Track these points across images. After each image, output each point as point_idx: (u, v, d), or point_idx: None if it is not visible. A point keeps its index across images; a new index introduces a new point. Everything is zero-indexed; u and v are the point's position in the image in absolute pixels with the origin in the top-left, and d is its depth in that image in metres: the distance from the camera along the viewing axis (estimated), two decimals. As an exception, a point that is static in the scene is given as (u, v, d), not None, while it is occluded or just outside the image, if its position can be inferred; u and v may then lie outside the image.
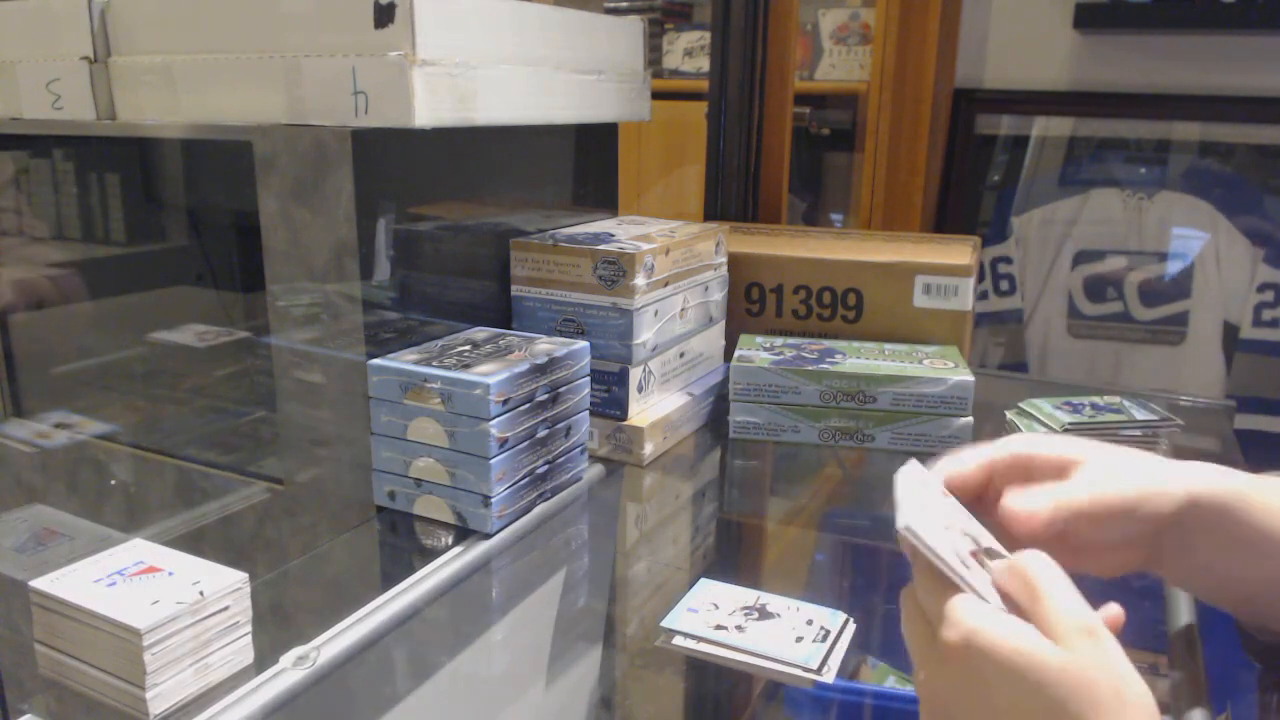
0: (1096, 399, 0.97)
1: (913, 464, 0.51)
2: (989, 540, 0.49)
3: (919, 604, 0.46)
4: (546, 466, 0.80)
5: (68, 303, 1.01)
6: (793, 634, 0.61)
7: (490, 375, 0.73)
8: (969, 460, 0.54)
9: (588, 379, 0.84)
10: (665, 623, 0.63)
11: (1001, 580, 0.44)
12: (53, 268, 1.00)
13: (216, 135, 0.80)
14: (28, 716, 0.54)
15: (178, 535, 0.84)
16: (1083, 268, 1.80)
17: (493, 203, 0.92)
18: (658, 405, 0.94)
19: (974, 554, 0.46)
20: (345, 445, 0.79)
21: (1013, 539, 0.50)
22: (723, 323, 1.09)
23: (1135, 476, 0.51)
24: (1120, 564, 0.53)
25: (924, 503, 0.48)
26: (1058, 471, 0.52)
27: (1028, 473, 0.53)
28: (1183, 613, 0.65)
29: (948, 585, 0.44)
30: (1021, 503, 0.51)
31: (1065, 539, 0.51)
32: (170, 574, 0.58)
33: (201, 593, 0.55)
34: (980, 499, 0.54)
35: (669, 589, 0.73)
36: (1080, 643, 0.40)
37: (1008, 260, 1.85)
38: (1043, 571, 0.43)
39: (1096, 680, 0.39)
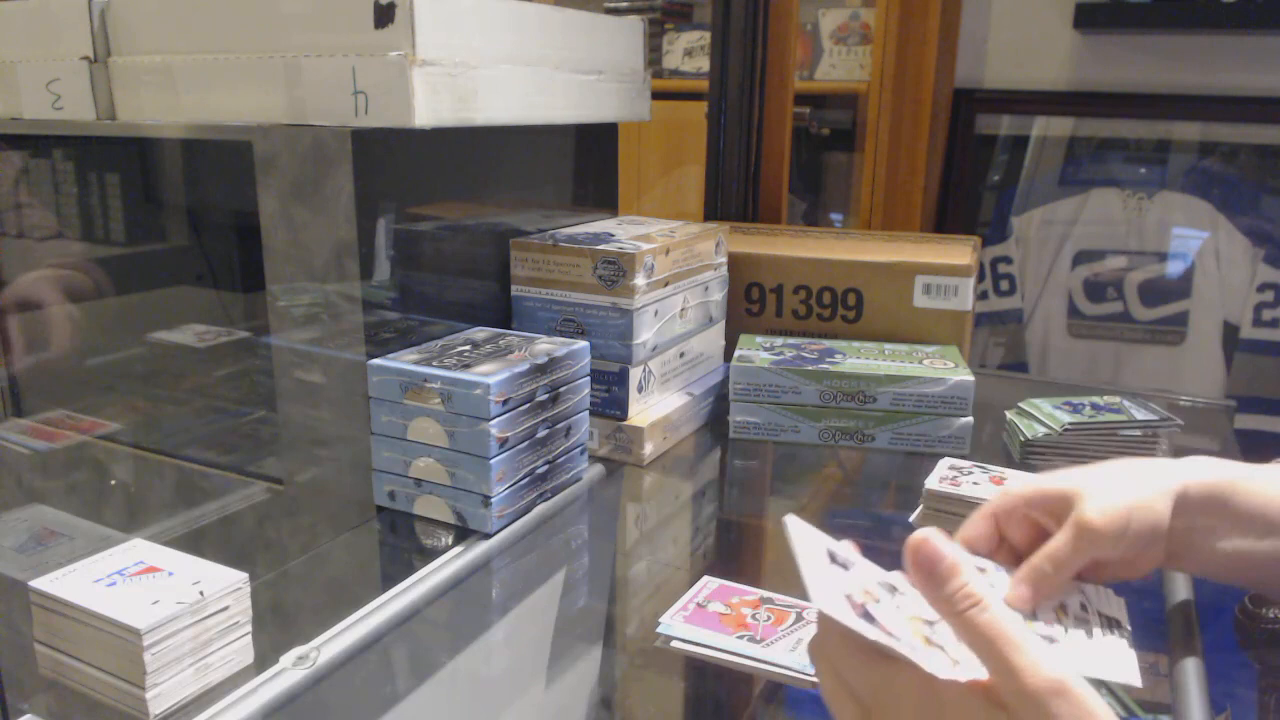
0: (1096, 399, 0.97)
1: (793, 520, 0.47)
2: (902, 583, 0.46)
3: (840, 675, 0.42)
4: (546, 466, 0.80)
5: (100, 296, 1.00)
6: (792, 636, 0.61)
7: (490, 375, 0.73)
8: (976, 520, 0.56)
9: (588, 379, 0.84)
10: (662, 628, 0.63)
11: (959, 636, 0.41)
12: (75, 265, 0.99)
13: (216, 135, 0.80)
14: (28, 716, 0.54)
15: (178, 535, 0.84)
16: (1083, 268, 1.80)
17: (493, 203, 0.92)
18: (658, 405, 0.94)
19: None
20: (345, 445, 0.79)
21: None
22: (723, 323, 1.09)
23: (1124, 496, 0.53)
24: (1143, 568, 0.55)
25: (828, 569, 0.44)
26: (1059, 507, 0.54)
27: (1029, 515, 0.55)
28: (1183, 613, 0.65)
29: (882, 660, 0.40)
30: (1036, 577, 0.53)
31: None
32: (170, 574, 0.58)
33: (201, 593, 0.55)
34: (997, 551, 0.56)
35: (669, 589, 0.73)
36: (1055, 705, 0.37)
37: (1008, 260, 1.85)
38: (997, 622, 0.40)
39: None
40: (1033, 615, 0.51)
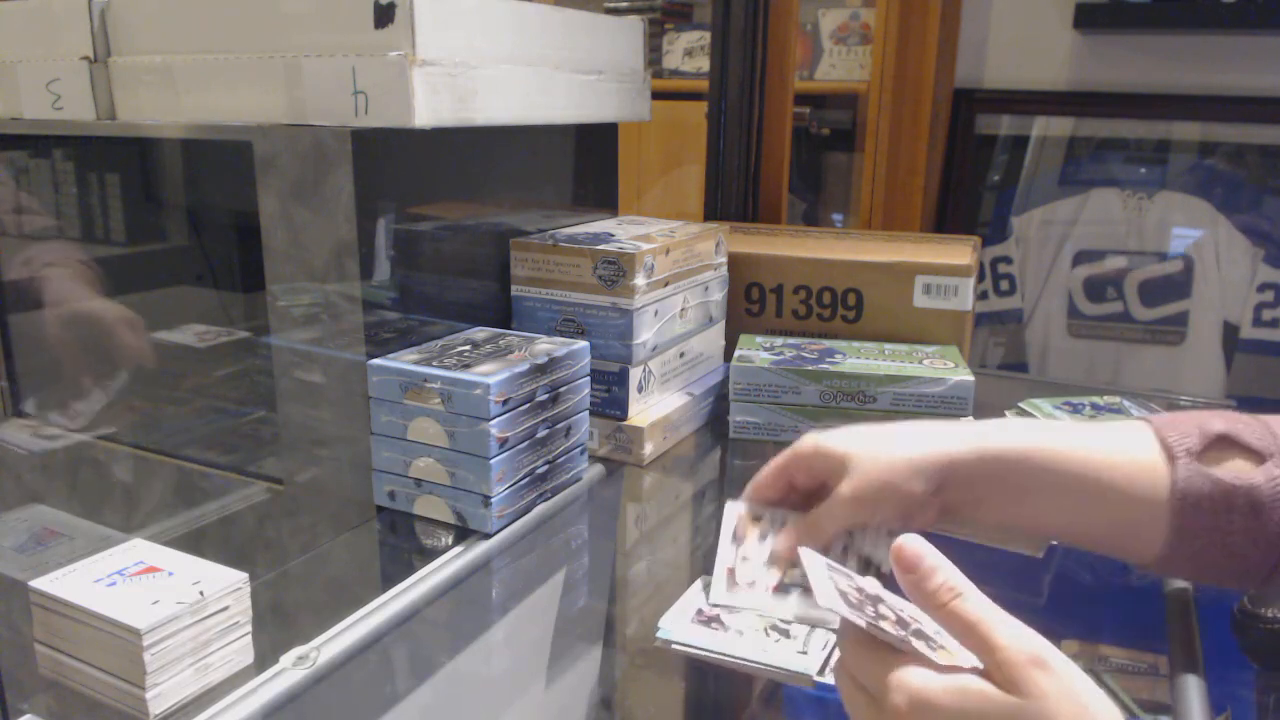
0: (1096, 399, 0.97)
1: (805, 551, 0.55)
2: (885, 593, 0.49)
3: (853, 676, 0.46)
4: (546, 466, 0.80)
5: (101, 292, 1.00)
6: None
7: (490, 375, 0.73)
8: (766, 471, 0.63)
9: (588, 379, 0.84)
10: (661, 632, 0.63)
11: (942, 622, 0.44)
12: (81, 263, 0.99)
13: (216, 135, 0.80)
14: (28, 716, 0.54)
15: (178, 535, 0.84)
16: (1083, 268, 1.81)
17: (493, 203, 0.92)
18: (658, 405, 0.94)
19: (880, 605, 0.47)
20: (345, 445, 0.79)
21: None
22: (723, 323, 1.09)
23: (879, 474, 0.58)
24: (919, 525, 0.60)
25: (830, 569, 0.50)
26: (835, 467, 0.60)
27: (814, 469, 0.61)
28: (1182, 613, 0.65)
29: (885, 652, 0.44)
30: (806, 529, 0.61)
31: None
32: (170, 574, 0.58)
33: (201, 593, 0.55)
34: (786, 500, 0.63)
35: (669, 589, 0.73)
36: (1031, 675, 0.39)
37: (1008, 260, 1.85)
38: (976, 609, 0.43)
39: (1054, 713, 0.39)
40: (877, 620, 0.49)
